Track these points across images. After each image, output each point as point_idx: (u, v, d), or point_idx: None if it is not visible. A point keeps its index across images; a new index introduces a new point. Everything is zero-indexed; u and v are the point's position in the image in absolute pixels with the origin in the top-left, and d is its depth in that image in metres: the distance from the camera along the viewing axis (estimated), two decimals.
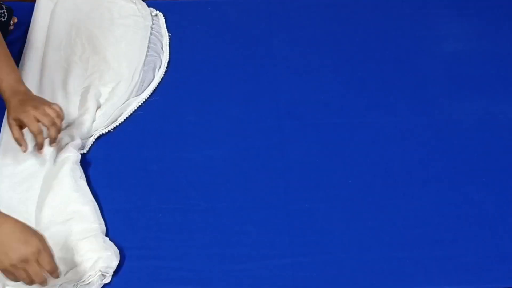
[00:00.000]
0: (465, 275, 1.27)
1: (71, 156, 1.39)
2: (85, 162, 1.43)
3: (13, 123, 1.34)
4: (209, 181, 1.41)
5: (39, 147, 1.36)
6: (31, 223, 1.26)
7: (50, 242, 1.14)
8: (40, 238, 1.12)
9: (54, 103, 1.38)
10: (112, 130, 1.49)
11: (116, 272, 1.26)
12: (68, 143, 1.41)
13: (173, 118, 1.53)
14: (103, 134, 1.48)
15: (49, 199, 1.32)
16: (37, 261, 1.11)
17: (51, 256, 1.13)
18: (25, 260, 1.10)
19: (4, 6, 1.61)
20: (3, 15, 1.60)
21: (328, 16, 1.76)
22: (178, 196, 1.39)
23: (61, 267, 1.17)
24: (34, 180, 1.37)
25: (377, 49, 1.67)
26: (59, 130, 1.37)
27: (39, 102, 1.36)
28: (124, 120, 1.51)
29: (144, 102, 1.55)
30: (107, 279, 1.25)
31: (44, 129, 1.35)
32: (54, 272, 1.14)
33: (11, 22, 1.64)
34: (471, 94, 1.58)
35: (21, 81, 1.39)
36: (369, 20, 1.74)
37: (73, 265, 1.23)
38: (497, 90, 1.58)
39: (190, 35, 1.72)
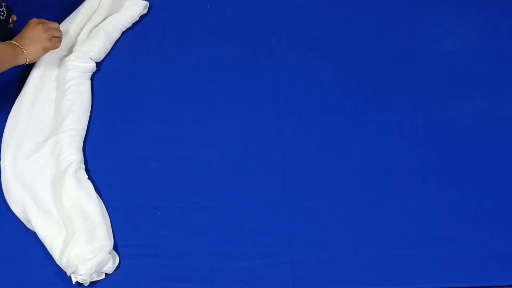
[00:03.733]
0: (464, 273, 1.27)
1: (75, 158, 1.40)
2: (85, 160, 1.43)
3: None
4: (208, 180, 1.41)
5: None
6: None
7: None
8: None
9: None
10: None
11: (115, 270, 1.27)
12: (69, 145, 1.42)
13: (172, 117, 1.53)
14: (102, 132, 1.48)
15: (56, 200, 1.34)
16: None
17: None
18: (39, 22, 1.52)
19: (3, 4, 1.61)
20: (2, 13, 1.60)
21: (327, 14, 1.75)
22: (177, 194, 1.39)
23: (57, 255, 1.24)
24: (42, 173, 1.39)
25: (376, 48, 1.67)
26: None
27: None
28: (123, 118, 1.52)
29: (143, 100, 1.55)
30: (100, 276, 1.25)
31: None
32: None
33: (10, 20, 1.64)
34: (470, 92, 1.58)
35: None
36: (368, 19, 1.74)
37: (68, 255, 1.24)
38: (496, 88, 1.58)
39: (189, 33, 1.71)
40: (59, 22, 1.67)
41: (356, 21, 1.73)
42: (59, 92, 1.52)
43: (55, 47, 1.54)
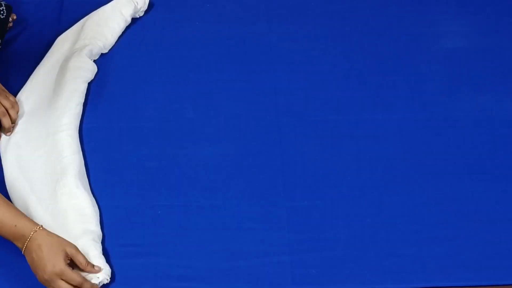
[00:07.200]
0: (465, 272, 1.27)
1: (75, 158, 1.40)
2: (85, 159, 1.43)
3: None
4: (208, 178, 1.41)
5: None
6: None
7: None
8: (69, 251, 1.21)
9: (11, 95, 1.48)
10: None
11: (114, 269, 1.26)
12: (69, 144, 1.42)
13: (171, 115, 1.53)
14: (101, 131, 1.48)
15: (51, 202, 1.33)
16: (64, 280, 1.20)
17: (75, 274, 1.20)
18: (51, 280, 1.19)
19: (3, 3, 1.61)
20: (2, 12, 1.60)
21: (326, 12, 1.75)
22: (177, 193, 1.39)
23: None
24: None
25: (376, 46, 1.67)
26: (13, 121, 1.45)
27: None
28: (123, 117, 1.52)
29: (142, 99, 1.56)
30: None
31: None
32: (84, 282, 1.21)
33: (10, 19, 1.64)
34: (470, 91, 1.57)
35: None
36: (368, 17, 1.74)
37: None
38: (495, 87, 1.58)
39: (188, 31, 1.72)
40: (59, 23, 1.68)
41: (356, 20, 1.73)
42: (56, 90, 1.52)
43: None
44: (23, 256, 1.22)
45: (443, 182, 1.40)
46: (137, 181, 1.41)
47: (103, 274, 1.24)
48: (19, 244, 1.22)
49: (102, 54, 1.65)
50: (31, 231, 1.21)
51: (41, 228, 1.22)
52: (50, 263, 1.19)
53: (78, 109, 1.50)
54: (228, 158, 1.44)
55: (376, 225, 1.33)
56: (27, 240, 1.20)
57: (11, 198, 1.35)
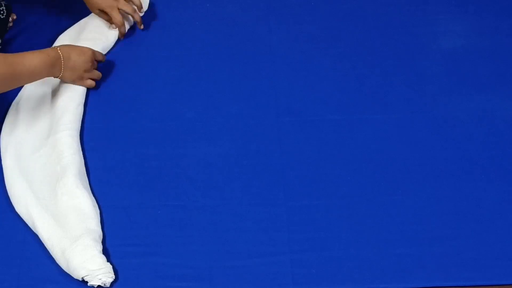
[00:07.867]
0: (464, 272, 1.27)
1: (75, 158, 1.39)
2: (85, 159, 1.43)
3: (100, 13, 1.66)
4: (208, 178, 1.41)
5: (122, 35, 1.68)
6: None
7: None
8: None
9: None
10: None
11: (114, 269, 1.26)
12: (69, 144, 1.42)
13: (171, 115, 1.53)
14: (101, 130, 1.48)
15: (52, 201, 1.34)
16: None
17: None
18: (91, 61, 1.52)
19: (3, 3, 1.61)
20: (2, 12, 1.60)
21: (326, 12, 1.75)
22: (177, 193, 1.39)
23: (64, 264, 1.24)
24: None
25: (376, 46, 1.67)
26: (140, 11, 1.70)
27: None
28: (123, 117, 1.52)
29: (142, 99, 1.56)
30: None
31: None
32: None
33: (10, 19, 1.64)
34: (470, 90, 1.57)
35: None
36: (368, 17, 1.74)
37: (73, 264, 1.24)
38: (495, 87, 1.58)
39: (188, 31, 1.72)
40: (59, 23, 1.68)
41: (356, 20, 1.73)
42: (56, 90, 1.52)
43: (84, 86, 1.53)
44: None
45: (443, 182, 1.40)
46: (137, 181, 1.41)
47: (105, 275, 1.23)
48: (58, 62, 1.44)
49: None
50: (57, 48, 1.44)
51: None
52: (80, 52, 1.49)
53: (79, 110, 1.50)
54: (228, 158, 1.44)
55: (376, 225, 1.33)
56: (60, 55, 1.43)
57: (11, 198, 1.35)
